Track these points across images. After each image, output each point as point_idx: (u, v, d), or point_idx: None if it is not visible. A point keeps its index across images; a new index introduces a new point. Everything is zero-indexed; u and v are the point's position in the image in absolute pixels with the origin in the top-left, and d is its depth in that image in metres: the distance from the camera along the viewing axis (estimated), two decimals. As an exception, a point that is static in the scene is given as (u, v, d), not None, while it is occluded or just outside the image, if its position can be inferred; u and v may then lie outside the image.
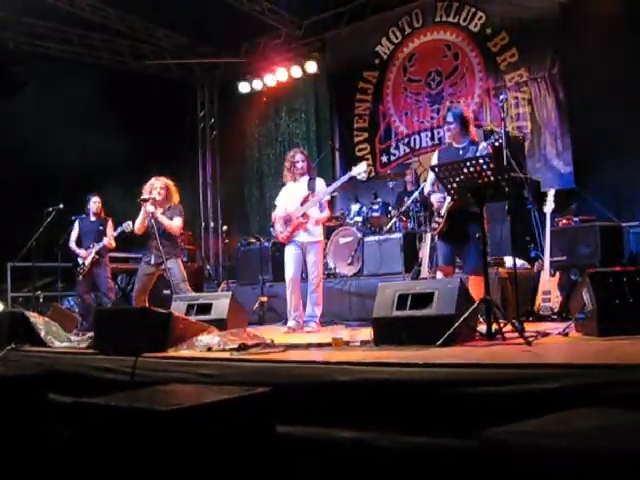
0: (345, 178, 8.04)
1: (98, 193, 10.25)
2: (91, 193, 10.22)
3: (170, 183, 8.42)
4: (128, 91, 12.82)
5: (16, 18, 12.52)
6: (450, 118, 6.81)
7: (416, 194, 9.25)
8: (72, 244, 10.14)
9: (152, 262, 8.17)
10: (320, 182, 8.10)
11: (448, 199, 6.54)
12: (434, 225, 6.80)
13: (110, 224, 10.08)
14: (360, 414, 3.77)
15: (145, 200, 8.06)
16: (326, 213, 8.10)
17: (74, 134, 11.49)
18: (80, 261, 9.96)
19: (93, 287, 10.15)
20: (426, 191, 7.16)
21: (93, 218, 10.19)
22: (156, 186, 8.25)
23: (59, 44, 13.47)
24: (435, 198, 6.76)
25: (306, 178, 8.10)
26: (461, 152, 6.67)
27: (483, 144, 6.54)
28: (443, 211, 6.67)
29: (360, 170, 7.74)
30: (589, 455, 2.19)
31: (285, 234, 7.96)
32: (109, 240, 9.90)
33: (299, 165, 8.11)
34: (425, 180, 7.48)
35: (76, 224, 10.20)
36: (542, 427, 2.53)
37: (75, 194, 9.32)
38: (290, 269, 7.99)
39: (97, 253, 9.93)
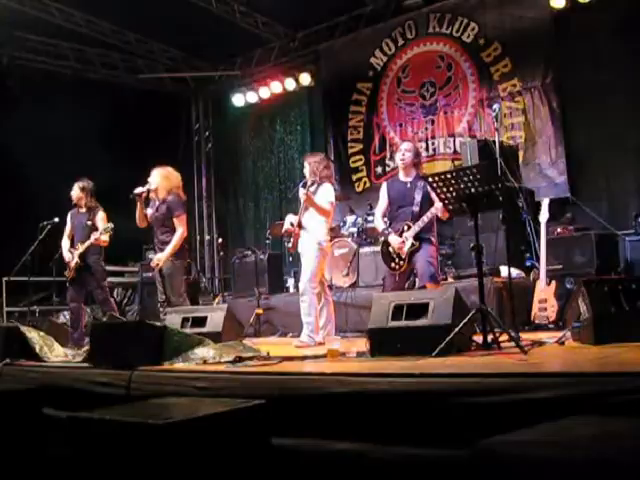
0: None
1: (82, 180, 8.82)
2: (79, 180, 8.85)
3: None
4: (122, 105, 12.84)
5: (10, 33, 12.51)
6: (406, 146, 7.34)
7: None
8: (62, 242, 8.85)
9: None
10: (320, 189, 7.57)
11: (409, 241, 6.91)
12: (394, 265, 7.10)
13: (101, 216, 8.65)
14: (356, 425, 3.76)
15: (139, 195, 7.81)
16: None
17: (69, 148, 11.49)
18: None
19: (85, 295, 8.91)
20: (379, 228, 7.47)
21: (81, 210, 8.77)
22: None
23: (54, 59, 13.48)
24: (394, 241, 7.06)
25: (316, 185, 7.59)
26: (409, 185, 7.16)
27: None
28: (404, 254, 6.98)
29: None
30: (584, 464, 2.18)
31: (290, 244, 7.69)
32: (98, 237, 8.37)
33: (304, 172, 7.77)
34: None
35: (68, 217, 8.92)
36: (537, 436, 2.52)
37: (70, 208, 9.25)
38: None
39: (81, 257, 8.47)
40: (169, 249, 7.69)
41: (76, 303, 8.70)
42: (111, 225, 8.43)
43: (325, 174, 7.66)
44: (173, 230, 7.80)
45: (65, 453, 3.52)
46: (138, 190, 7.82)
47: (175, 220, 7.79)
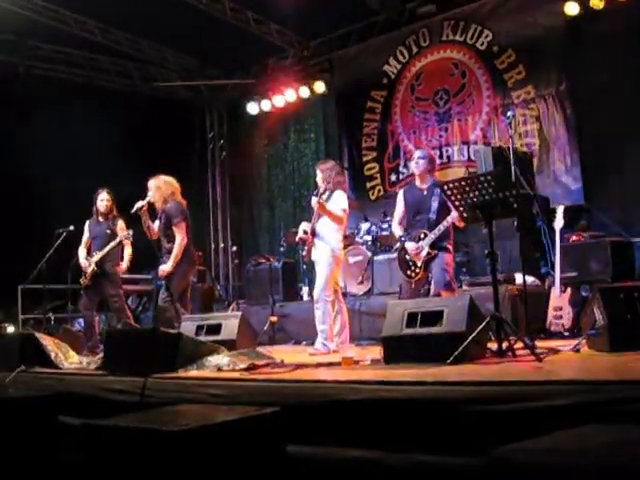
0: None
1: (108, 189, 8.96)
2: (100, 188, 8.94)
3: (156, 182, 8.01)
4: (136, 113, 12.88)
5: (25, 42, 12.61)
6: (420, 154, 7.30)
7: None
8: (80, 251, 8.86)
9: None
10: (333, 196, 7.60)
11: (425, 250, 6.88)
12: (409, 273, 7.09)
13: (121, 225, 8.73)
14: (370, 433, 3.75)
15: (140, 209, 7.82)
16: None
17: (83, 157, 11.55)
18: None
19: (99, 304, 9.05)
20: (397, 234, 7.44)
21: (101, 219, 8.83)
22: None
23: (68, 67, 13.55)
24: (411, 248, 7.02)
25: (328, 192, 7.61)
26: (425, 193, 7.12)
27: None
28: (420, 262, 6.96)
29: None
30: (601, 472, 2.17)
31: (305, 252, 7.77)
32: (119, 241, 8.54)
33: (317, 180, 7.78)
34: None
35: (86, 226, 8.93)
36: (553, 444, 2.51)
37: (85, 216, 9.29)
38: None
39: (97, 264, 8.53)
40: (171, 260, 7.70)
41: (89, 311, 8.74)
42: (131, 232, 8.49)
43: (337, 180, 7.66)
44: (175, 237, 7.83)
45: (79, 460, 3.53)
46: (138, 205, 7.82)
47: (174, 228, 7.78)
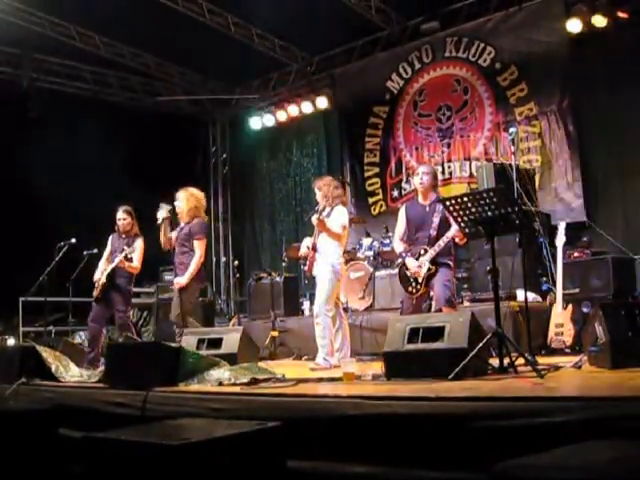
0: None
1: (127, 206, 8.80)
2: (119, 206, 8.79)
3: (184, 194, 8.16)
4: (140, 127, 12.91)
5: (30, 55, 12.67)
6: (425, 169, 7.27)
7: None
8: (100, 263, 8.76)
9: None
10: (334, 212, 7.58)
11: (426, 266, 6.85)
12: (411, 289, 7.03)
13: (139, 244, 8.55)
14: (371, 448, 3.75)
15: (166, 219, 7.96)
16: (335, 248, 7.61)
17: (87, 169, 11.56)
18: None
19: (106, 317, 8.79)
20: (398, 251, 7.40)
21: (123, 235, 8.67)
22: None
23: (73, 81, 13.60)
24: (411, 264, 6.99)
25: (329, 208, 7.61)
26: (427, 209, 7.09)
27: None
28: (421, 278, 6.92)
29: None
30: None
31: (306, 267, 7.76)
32: (122, 259, 8.28)
33: (317, 198, 7.79)
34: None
35: (109, 241, 8.82)
36: (554, 460, 2.51)
37: (87, 229, 9.29)
38: None
39: (108, 277, 8.41)
40: (188, 273, 7.76)
41: (96, 324, 8.59)
42: (134, 249, 8.40)
43: (336, 194, 7.66)
44: (191, 251, 7.88)
45: (80, 473, 3.52)
46: (164, 215, 7.91)
47: (196, 243, 7.88)
